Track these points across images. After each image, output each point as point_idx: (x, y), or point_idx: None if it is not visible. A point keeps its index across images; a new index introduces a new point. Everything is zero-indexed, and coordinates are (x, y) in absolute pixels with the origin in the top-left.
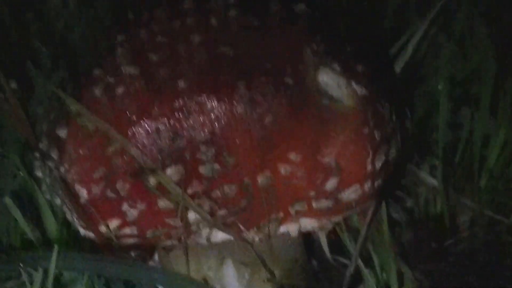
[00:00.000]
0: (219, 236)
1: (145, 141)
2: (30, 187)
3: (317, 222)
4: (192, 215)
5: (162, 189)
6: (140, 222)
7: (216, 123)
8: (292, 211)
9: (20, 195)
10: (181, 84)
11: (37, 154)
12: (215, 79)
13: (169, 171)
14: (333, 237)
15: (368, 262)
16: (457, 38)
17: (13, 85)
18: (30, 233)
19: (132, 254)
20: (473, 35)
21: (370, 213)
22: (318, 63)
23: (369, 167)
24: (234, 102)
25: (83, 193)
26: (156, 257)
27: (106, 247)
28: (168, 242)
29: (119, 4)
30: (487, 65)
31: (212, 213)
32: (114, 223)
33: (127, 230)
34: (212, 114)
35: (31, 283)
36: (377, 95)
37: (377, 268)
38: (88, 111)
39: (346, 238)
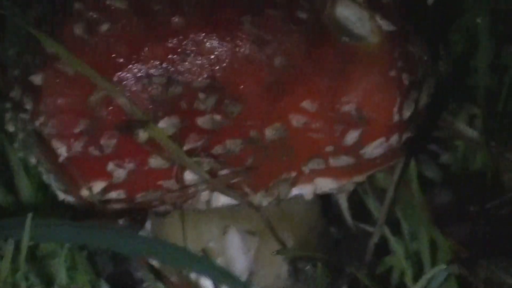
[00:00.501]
0: (221, 200)
1: (135, 88)
2: (0, 144)
3: (336, 183)
4: (189, 176)
5: (154, 145)
6: (129, 184)
7: (217, 66)
8: (306, 169)
9: None
10: (176, 20)
11: (7, 105)
12: (215, 13)
13: (163, 123)
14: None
15: (396, 229)
16: None
17: None
18: (1, 197)
19: (120, 221)
20: None
21: (397, 171)
22: None
23: (396, 117)
24: (238, 41)
25: (62, 150)
26: (147, 225)
27: (89, 214)
28: (162, 208)
29: None
30: None
31: (212, 173)
32: (98, 185)
33: (113, 194)
34: (212, 55)
35: (1, 257)
36: (406, 31)
37: (406, 236)
38: (67, 52)
39: (370, 201)
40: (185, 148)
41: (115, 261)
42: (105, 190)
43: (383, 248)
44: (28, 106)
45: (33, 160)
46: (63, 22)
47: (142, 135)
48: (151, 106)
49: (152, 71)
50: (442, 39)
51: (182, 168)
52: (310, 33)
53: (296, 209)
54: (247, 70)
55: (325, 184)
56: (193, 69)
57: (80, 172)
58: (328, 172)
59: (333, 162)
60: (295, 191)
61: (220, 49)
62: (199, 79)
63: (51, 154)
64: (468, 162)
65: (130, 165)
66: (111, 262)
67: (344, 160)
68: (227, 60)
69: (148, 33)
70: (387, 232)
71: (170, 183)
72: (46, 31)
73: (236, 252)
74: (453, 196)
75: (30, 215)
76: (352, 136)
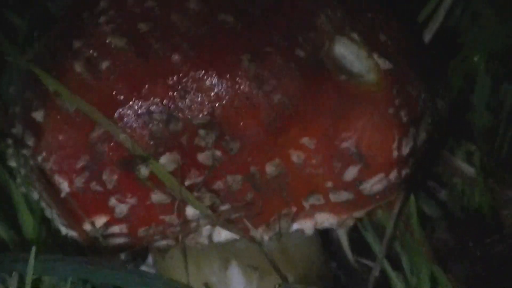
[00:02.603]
0: (223, 234)
1: (135, 125)
2: (3, 180)
3: (336, 218)
4: (190, 211)
5: (155, 181)
6: (131, 219)
7: (216, 103)
8: (306, 205)
9: None
10: (176, 57)
11: (9, 141)
12: (215, 51)
13: (163, 159)
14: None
15: (396, 264)
16: (497, 1)
17: None
18: (4, 233)
19: (122, 256)
20: None
21: (397, 207)
22: (334, 32)
23: (395, 154)
24: (237, 79)
25: (64, 185)
26: (149, 260)
27: (91, 248)
28: (164, 242)
29: None
30: None
31: (214, 208)
32: (100, 220)
33: (115, 228)
34: (212, 92)
35: None
36: (404, 69)
37: (407, 271)
38: (68, 90)
39: (369, 236)
40: (186, 183)
41: None
42: (107, 225)
43: (383, 283)
44: (30, 142)
45: (35, 196)
46: (63, 60)
47: (143, 171)
48: (152, 143)
49: (152, 108)
50: (440, 77)
51: (184, 203)
52: (309, 71)
53: (296, 244)
54: (247, 107)
55: (325, 219)
56: (193, 106)
57: (82, 207)
58: (328, 207)
59: (333, 197)
60: (295, 226)
61: (220, 87)
62: (199, 116)
63: (53, 190)
64: (466, 199)
65: (131, 200)
66: None
67: (343, 196)
68: (226, 97)
69: (148, 71)
70: (387, 267)
71: (172, 218)
72: (46, 69)
73: (237, 286)
74: (452, 232)
75: (33, 249)
76: (351, 172)
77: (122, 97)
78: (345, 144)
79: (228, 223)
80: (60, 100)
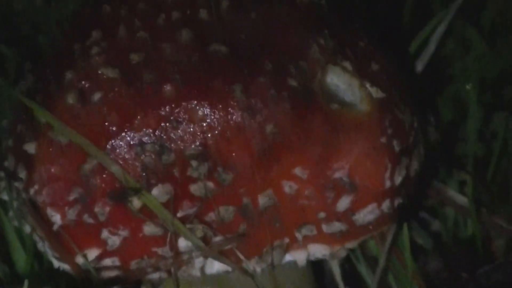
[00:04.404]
0: (215, 266)
1: (127, 156)
2: None
3: (329, 249)
4: (183, 243)
5: (147, 213)
6: (123, 251)
7: (209, 134)
8: (299, 236)
9: None
10: (168, 88)
11: (1, 174)
12: (207, 82)
13: (156, 191)
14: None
15: None
16: (488, 31)
17: None
18: None
19: None
20: (506, 27)
21: (389, 237)
22: (326, 61)
23: (387, 184)
24: (230, 109)
25: (56, 218)
26: None
27: (84, 281)
28: (156, 275)
29: None
30: None
31: (206, 240)
32: (92, 253)
33: (108, 261)
34: (204, 123)
35: None
36: (396, 99)
37: None
38: (60, 122)
39: (362, 267)
40: (179, 215)
41: None
42: (100, 258)
43: None
44: (22, 175)
45: (27, 229)
46: (55, 91)
47: (136, 203)
48: (144, 174)
49: (144, 139)
50: (432, 107)
51: (176, 235)
52: (301, 100)
53: (289, 275)
54: (239, 138)
55: (318, 250)
56: (186, 137)
57: (75, 240)
58: (320, 238)
59: (325, 228)
60: (288, 257)
61: (212, 117)
62: (192, 147)
63: (46, 222)
64: (458, 229)
65: (124, 233)
66: None
67: (336, 226)
68: (219, 128)
69: (140, 102)
70: None
71: (164, 250)
72: (38, 101)
73: None
74: (444, 263)
75: (26, 283)
76: (344, 203)
77: (114, 128)
78: (337, 174)
79: (220, 255)
80: (52, 132)
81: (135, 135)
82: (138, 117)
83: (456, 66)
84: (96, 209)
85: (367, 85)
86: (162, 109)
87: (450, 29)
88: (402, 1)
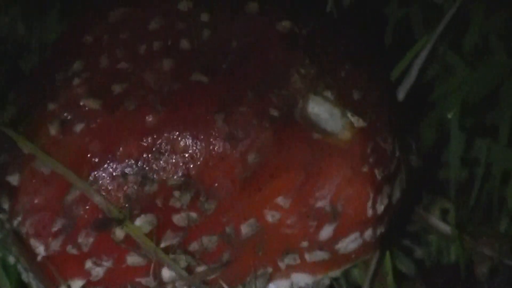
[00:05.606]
0: None
1: (110, 187)
2: None
3: (312, 278)
4: (166, 273)
5: (131, 243)
6: (107, 281)
7: (191, 164)
8: (282, 265)
9: None
10: (150, 119)
11: None
12: (189, 112)
13: (139, 221)
14: None
15: None
16: (470, 56)
17: None
18: None
19: None
20: (488, 53)
21: (372, 266)
22: (307, 90)
23: (370, 212)
24: (211, 139)
25: (40, 249)
26: None
27: None
28: None
29: (74, 26)
30: (505, 88)
31: (190, 270)
32: (76, 283)
33: None
34: (186, 153)
35: None
36: (377, 127)
37: None
38: (42, 152)
39: None
40: (162, 245)
41: None
42: None
43: None
44: (6, 206)
45: (11, 259)
46: (38, 122)
47: (119, 233)
48: (126, 205)
49: (127, 170)
50: (414, 134)
51: (159, 265)
52: (282, 129)
53: None
54: (221, 168)
55: (301, 279)
56: (168, 167)
57: (59, 271)
58: (303, 267)
59: (308, 257)
60: (272, 286)
61: (194, 147)
62: (174, 177)
63: (30, 253)
64: (441, 256)
65: (107, 263)
66: None
67: (319, 255)
68: (201, 158)
69: (123, 132)
70: None
71: (148, 280)
72: (21, 132)
73: None
74: None
75: None
76: (326, 231)
77: (96, 159)
78: (319, 203)
79: (204, 285)
80: (35, 163)
81: (117, 166)
82: (120, 148)
83: (438, 91)
84: (80, 240)
85: (349, 114)
86: (145, 139)
87: (432, 54)
88: (384, 26)
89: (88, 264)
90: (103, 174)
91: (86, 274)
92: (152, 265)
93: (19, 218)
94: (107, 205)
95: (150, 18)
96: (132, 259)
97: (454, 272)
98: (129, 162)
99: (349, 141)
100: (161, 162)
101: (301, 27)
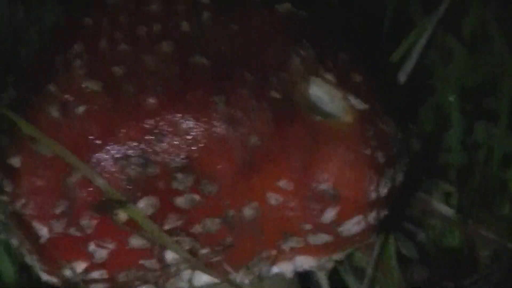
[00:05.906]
0: (203, 279)
1: (112, 169)
2: None
3: (315, 260)
4: (170, 255)
5: (134, 225)
6: (110, 264)
7: (193, 146)
8: (285, 247)
9: None
10: (151, 101)
11: None
12: (190, 94)
13: (141, 203)
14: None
15: None
16: (469, 41)
17: None
18: None
19: None
20: (487, 37)
21: (376, 249)
22: (307, 73)
23: (372, 195)
24: (213, 121)
25: (43, 231)
26: None
27: None
28: (144, 287)
29: (74, 9)
30: (504, 72)
31: (193, 252)
32: (80, 265)
33: (95, 274)
34: (187, 135)
35: None
36: (379, 110)
37: None
38: (44, 135)
39: (349, 279)
40: (165, 227)
41: None
42: (87, 270)
43: None
44: (8, 188)
45: (15, 242)
46: (38, 104)
47: (121, 215)
48: (129, 187)
49: (129, 152)
50: (415, 117)
51: (163, 248)
52: (283, 112)
53: (276, 287)
54: (223, 150)
55: (305, 262)
56: (170, 149)
57: (62, 253)
58: (307, 250)
59: (311, 240)
60: (275, 269)
61: (196, 130)
62: (176, 160)
63: (33, 236)
64: (443, 240)
65: (110, 245)
66: None
67: (322, 238)
68: (203, 141)
69: (125, 115)
70: None
71: (152, 263)
72: (22, 114)
73: None
74: (429, 273)
75: None
76: (329, 214)
77: (98, 142)
78: (322, 186)
79: (208, 267)
80: (37, 145)
81: (119, 148)
82: (123, 130)
83: (438, 76)
84: (82, 222)
85: (350, 97)
86: (146, 122)
87: (431, 38)
88: (383, 10)
89: (91, 246)
90: (105, 157)
91: (89, 256)
92: (155, 248)
93: (22, 201)
94: (109, 188)
95: (150, 0)
96: (135, 242)
97: (456, 255)
98: (131, 145)
99: (350, 124)
100: (163, 144)
101: (301, 10)
